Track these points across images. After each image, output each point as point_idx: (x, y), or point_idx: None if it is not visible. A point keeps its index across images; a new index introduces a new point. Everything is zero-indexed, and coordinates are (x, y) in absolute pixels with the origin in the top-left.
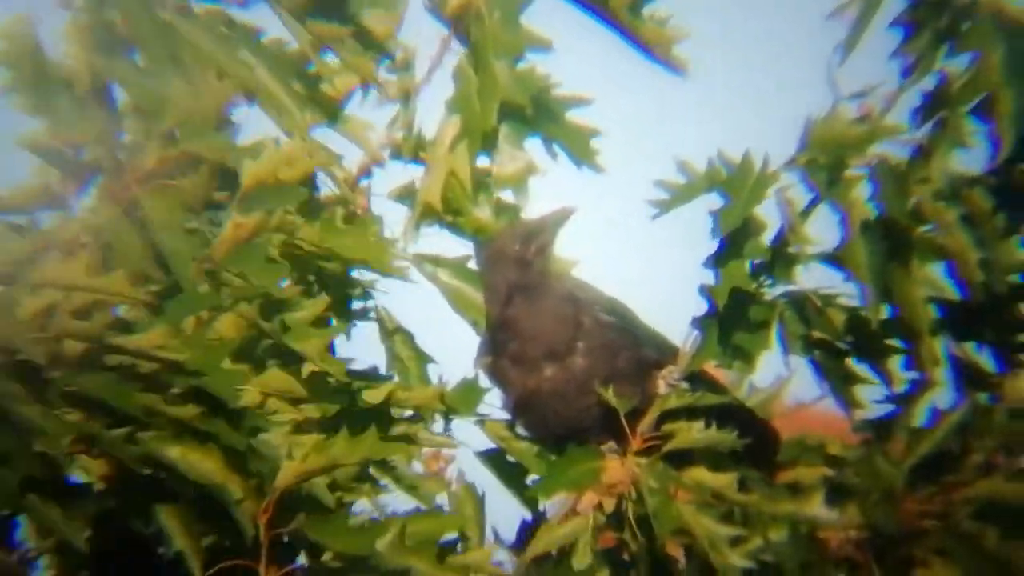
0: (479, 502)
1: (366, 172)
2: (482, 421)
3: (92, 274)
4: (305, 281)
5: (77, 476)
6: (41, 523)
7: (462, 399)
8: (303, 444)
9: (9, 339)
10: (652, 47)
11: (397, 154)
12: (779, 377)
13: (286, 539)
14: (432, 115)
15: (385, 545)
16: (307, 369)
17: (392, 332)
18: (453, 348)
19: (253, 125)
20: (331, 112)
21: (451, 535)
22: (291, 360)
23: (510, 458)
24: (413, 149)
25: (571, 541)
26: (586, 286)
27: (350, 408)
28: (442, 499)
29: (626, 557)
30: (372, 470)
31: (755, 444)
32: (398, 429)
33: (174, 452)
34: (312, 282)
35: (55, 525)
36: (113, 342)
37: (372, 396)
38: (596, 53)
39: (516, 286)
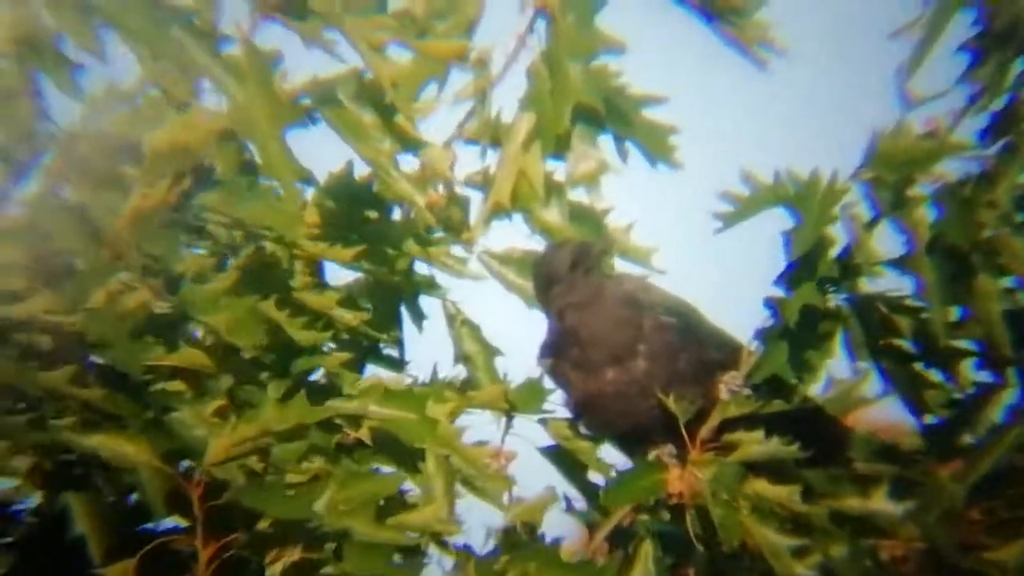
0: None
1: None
2: (545, 420)
3: None
4: (220, 253)
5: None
6: None
7: (526, 398)
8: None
9: None
10: (738, 40)
11: (473, 140)
12: (857, 370)
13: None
14: (507, 105)
15: (322, 507)
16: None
17: (459, 325)
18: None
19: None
20: (409, 141)
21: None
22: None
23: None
24: (491, 135)
25: None
26: (649, 287)
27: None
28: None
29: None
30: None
31: (822, 443)
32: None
33: (90, 439)
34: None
35: None
36: None
37: (437, 411)
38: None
39: (567, 305)
